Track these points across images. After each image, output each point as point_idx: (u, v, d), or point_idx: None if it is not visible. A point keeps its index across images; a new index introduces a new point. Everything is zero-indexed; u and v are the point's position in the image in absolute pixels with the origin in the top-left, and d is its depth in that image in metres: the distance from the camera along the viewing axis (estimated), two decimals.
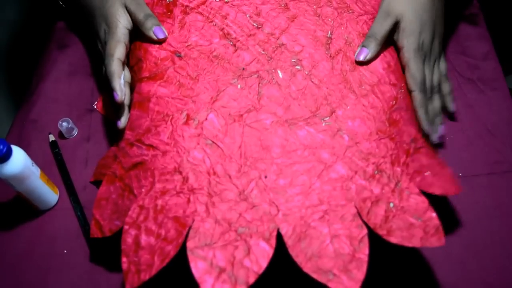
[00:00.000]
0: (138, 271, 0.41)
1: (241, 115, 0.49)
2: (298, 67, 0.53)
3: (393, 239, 0.42)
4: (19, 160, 0.46)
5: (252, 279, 0.40)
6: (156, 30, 0.53)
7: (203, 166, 0.46)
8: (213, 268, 0.40)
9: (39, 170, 0.50)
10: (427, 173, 0.47)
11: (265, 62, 0.52)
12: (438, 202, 0.45)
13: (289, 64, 0.53)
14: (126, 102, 0.51)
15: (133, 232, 0.43)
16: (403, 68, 0.53)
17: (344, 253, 0.41)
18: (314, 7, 0.57)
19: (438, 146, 0.55)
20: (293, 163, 0.46)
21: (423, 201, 0.44)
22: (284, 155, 0.46)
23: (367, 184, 0.45)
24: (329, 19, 0.55)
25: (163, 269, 0.41)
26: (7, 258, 0.50)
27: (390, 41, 0.54)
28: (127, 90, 0.51)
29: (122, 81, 0.50)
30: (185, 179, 0.45)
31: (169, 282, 0.46)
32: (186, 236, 0.42)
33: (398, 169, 0.46)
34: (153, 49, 0.53)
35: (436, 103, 0.55)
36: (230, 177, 0.45)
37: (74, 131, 0.58)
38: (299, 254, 0.41)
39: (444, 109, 0.56)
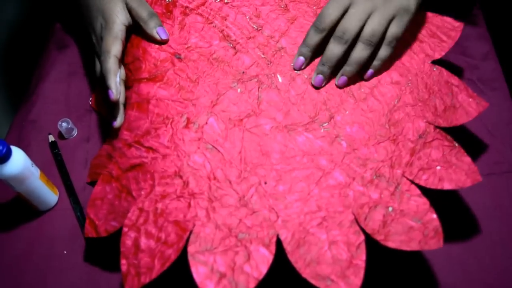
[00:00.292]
0: (138, 274, 0.41)
1: (241, 120, 0.49)
2: (297, 71, 0.53)
3: (391, 244, 0.42)
4: (18, 160, 0.46)
5: (252, 285, 0.40)
6: (159, 30, 0.52)
7: (203, 171, 0.46)
8: (214, 273, 0.40)
9: (38, 170, 0.50)
10: (438, 168, 0.46)
11: (264, 66, 0.52)
12: (440, 203, 0.45)
13: (288, 68, 0.53)
14: (121, 100, 0.51)
15: (132, 234, 0.43)
16: None
17: (341, 259, 0.42)
18: (314, 8, 0.57)
19: None
20: (292, 169, 0.46)
21: (424, 203, 0.44)
22: (283, 161, 0.47)
23: (365, 190, 0.45)
24: None
25: (162, 273, 0.41)
26: (6, 259, 0.50)
27: None
28: (122, 89, 0.51)
29: (118, 79, 0.50)
30: (186, 184, 0.45)
31: (169, 286, 0.46)
32: (187, 240, 0.42)
33: (399, 172, 0.46)
34: (152, 49, 0.53)
35: (356, 53, 0.50)
36: (230, 182, 0.45)
37: (73, 132, 0.58)
38: (298, 260, 0.42)
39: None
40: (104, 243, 0.48)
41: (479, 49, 0.64)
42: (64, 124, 0.56)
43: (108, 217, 0.46)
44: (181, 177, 0.46)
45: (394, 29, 0.50)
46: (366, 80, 0.51)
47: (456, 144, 0.48)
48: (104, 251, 0.49)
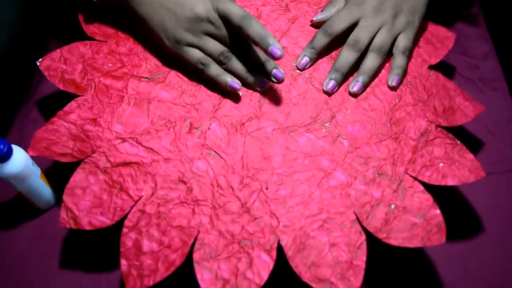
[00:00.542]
0: (140, 276, 0.41)
1: (243, 124, 0.49)
2: (298, 71, 0.53)
3: (394, 242, 0.42)
4: (19, 159, 0.46)
5: None
6: (273, 49, 0.47)
7: (207, 178, 0.46)
8: (218, 279, 0.41)
9: (39, 169, 0.50)
10: (441, 164, 0.46)
11: None
12: (440, 203, 0.45)
13: (289, 68, 0.53)
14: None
15: (133, 235, 0.43)
16: None
17: (342, 260, 0.42)
18: (315, 7, 0.57)
19: None
20: (293, 172, 0.46)
21: (427, 199, 0.44)
22: (285, 165, 0.47)
23: (367, 188, 0.45)
24: None
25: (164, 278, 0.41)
26: (7, 257, 0.50)
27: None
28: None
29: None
30: (189, 190, 0.46)
31: None
32: (191, 246, 0.42)
33: (401, 169, 0.46)
34: (153, 49, 0.54)
35: (369, 61, 0.52)
36: (233, 189, 0.46)
37: None
38: (299, 264, 0.42)
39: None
40: (104, 243, 0.48)
41: (479, 49, 0.64)
42: None
43: (94, 211, 0.44)
44: (184, 182, 0.46)
45: (404, 42, 0.53)
46: (393, 88, 0.52)
47: (458, 142, 0.48)
48: (104, 251, 0.49)
